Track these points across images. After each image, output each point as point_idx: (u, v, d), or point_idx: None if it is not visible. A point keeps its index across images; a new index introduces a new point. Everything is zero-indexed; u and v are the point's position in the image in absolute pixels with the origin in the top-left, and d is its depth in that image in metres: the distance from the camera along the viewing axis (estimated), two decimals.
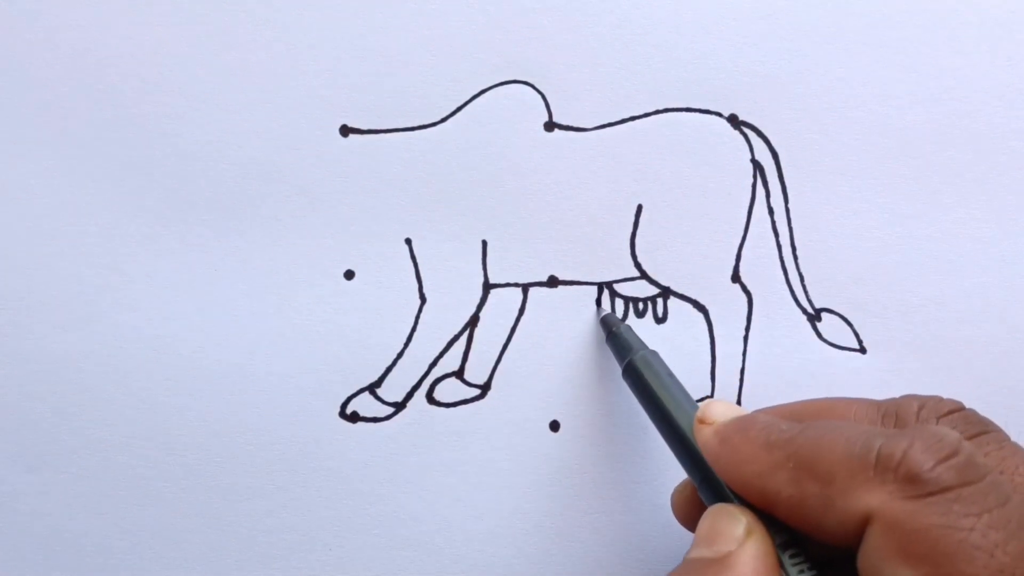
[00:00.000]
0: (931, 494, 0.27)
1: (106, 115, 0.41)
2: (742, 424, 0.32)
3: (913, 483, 0.27)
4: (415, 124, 0.41)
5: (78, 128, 0.41)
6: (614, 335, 0.40)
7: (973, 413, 0.33)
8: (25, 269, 0.41)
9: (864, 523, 0.28)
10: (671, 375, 0.38)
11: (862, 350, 0.42)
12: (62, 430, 0.41)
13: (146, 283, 0.41)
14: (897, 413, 0.33)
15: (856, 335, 0.42)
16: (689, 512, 0.37)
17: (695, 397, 0.42)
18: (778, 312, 0.42)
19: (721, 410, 0.33)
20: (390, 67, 0.41)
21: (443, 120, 0.41)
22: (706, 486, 0.33)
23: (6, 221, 0.41)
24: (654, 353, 0.39)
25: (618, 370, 0.39)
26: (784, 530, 0.30)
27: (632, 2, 0.41)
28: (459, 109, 0.41)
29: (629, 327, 0.40)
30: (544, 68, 0.41)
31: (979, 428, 0.32)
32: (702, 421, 0.33)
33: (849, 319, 0.42)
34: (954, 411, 0.32)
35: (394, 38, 0.41)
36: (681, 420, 0.35)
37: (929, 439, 0.28)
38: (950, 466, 0.27)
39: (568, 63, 0.41)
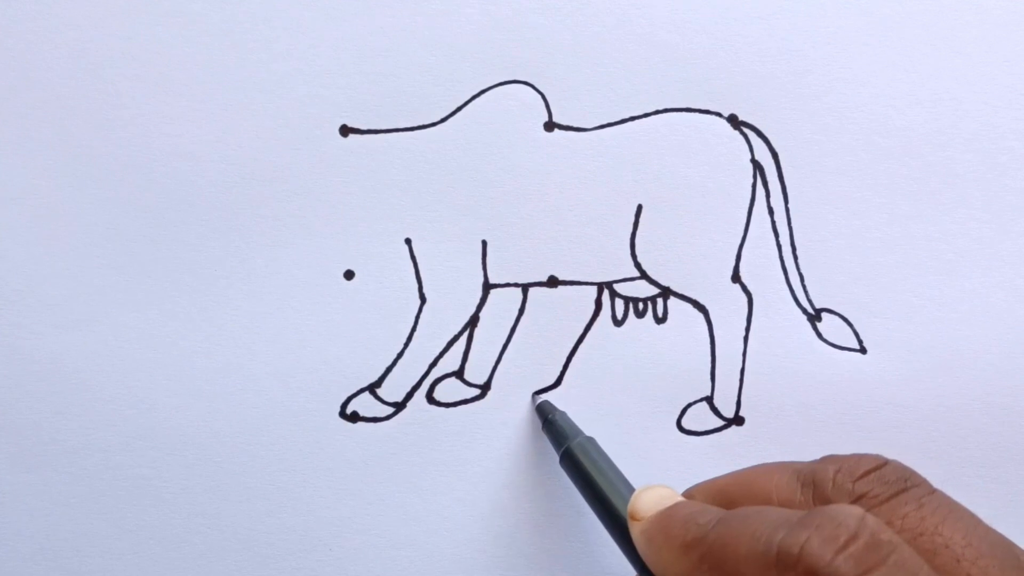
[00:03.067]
0: None
1: (106, 115, 0.41)
2: (663, 522, 0.32)
3: None
4: (415, 124, 0.41)
5: (78, 128, 0.41)
6: (549, 423, 0.40)
7: (894, 469, 0.32)
8: (25, 269, 0.41)
9: None
10: (608, 461, 0.37)
11: (862, 350, 0.42)
12: (62, 430, 0.41)
13: (146, 283, 0.41)
14: (815, 482, 0.32)
15: (856, 335, 0.42)
16: None
17: (694, 398, 0.42)
18: (778, 312, 0.42)
19: (649, 501, 0.33)
20: (390, 67, 0.41)
21: (443, 120, 0.41)
22: None
23: (6, 221, 0.41)
24: (591, 440, 0.38)
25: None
26: None
27: (632, 2, 0.41)
28: (459, 109, 0.41)
29: (564, 414, 0.40)
30: (544, 68, 0.41)
31: (896, 488, 0.31)
32: (632, 517, 0.33)
33: (849, 319, 0.42)
34: (871, 471, 0.31)
35: (394, 38, 0.41)
36: (620, 508, 0.35)
37: (827, 526, 0.27)
38: (849, 555, 0.27)
39: (568, 63, 0.41)
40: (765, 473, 0.33)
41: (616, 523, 0.35)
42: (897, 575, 0.26)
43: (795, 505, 0.31)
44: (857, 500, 0.30)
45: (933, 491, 0.31)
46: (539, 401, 0.41)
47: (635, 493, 0.34)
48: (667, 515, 0.32)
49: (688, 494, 0.35)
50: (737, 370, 0.42)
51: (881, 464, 0.32)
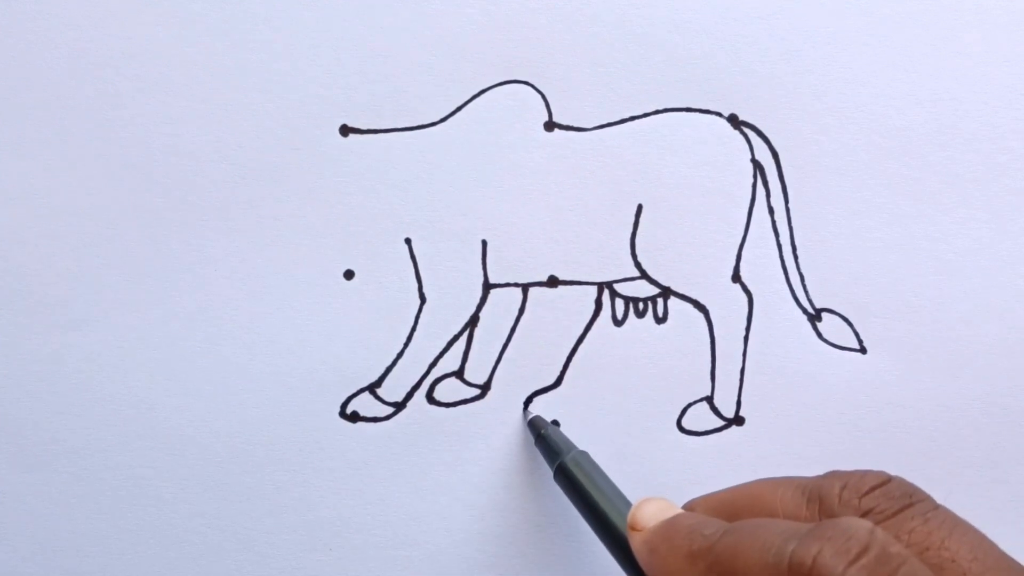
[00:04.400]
0: None
1: (106, 115, 0.40)
2: (667, 532, 0.32)
3: None
4: (415, 124, 0.41)
5: (78, 128, 0.41)
6: (542, 437, 0.40)
7: (898, 485, 0.32)
8: (25, 269, 0.41)
9: None
10: (602, 475, 0.37)
11: (862, 350, 0.42)
12: (62, 430, 0.41)
13: (146, 283, 0.41)
14: (820, 497, 0.32)
15: (856, 335, 0.42)
16: None
17: (694, 398, 0.42)
18: (778, 312, 0.42)
19: (650, 513, 0.33)
20: (390, 67, 0.41)
21: (443, 120, 0.41)
22: None
23: (6, 221, 0.41)
24: (584, 453, 0.38)
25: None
26: None
27: (632, 2, 0.41)
28: (459, 109, 0.41)
29: (557, 428, 0.40)
30: (544, 68, 0.41)
31: (902, 503, 0.31)
32: (632, 528, 0.33)
33: (849, 319, 0.42)
34: (876, 487, 0.31)
35: (394, 38, 0.41)
36: (617, 522, 0.35)
37: (839, 538, 0.27)
38: (861, 567, 0.27)
39: (568, 63, 0.41)
40: (768, 487, 0.34)
41: (613, 537, 0.35)
42: None
43: (801, 519, 0.31)
44: (864, 515, 0.30)
45: (937, 506, 0.31)
46: (531, 416, 0.41)
47: (635, 505, 0.33)
48: (670, 525, 0.32)
49: (688, 507, 0.35)
50: (737, 370, 0.42)
51: (886, 480, 0.32)
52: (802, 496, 0.32)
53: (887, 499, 0.31)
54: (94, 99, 0.40)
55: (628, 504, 0.35)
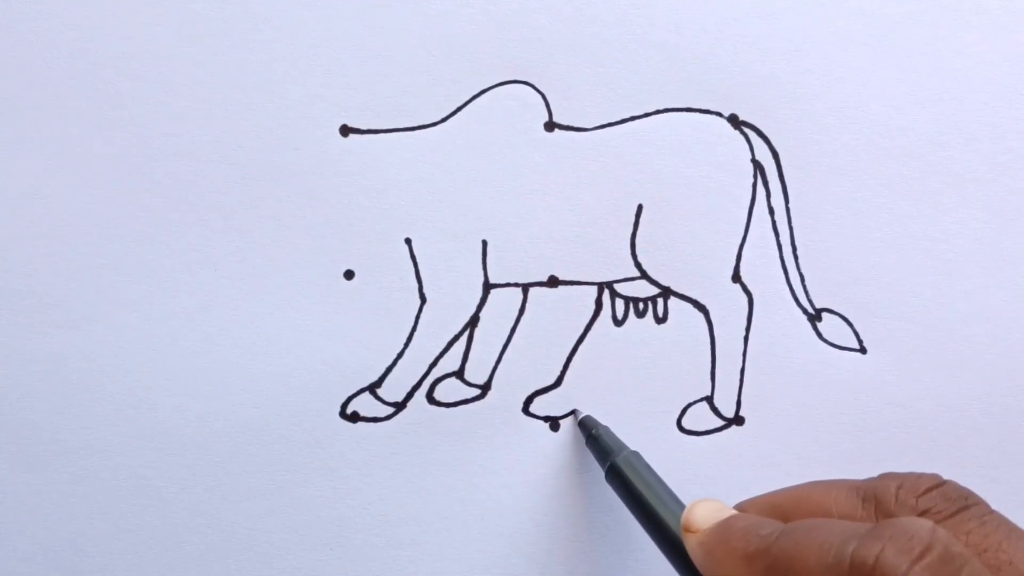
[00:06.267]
0: None
1: (106, 115, 0.40)
2: (723, 534, 0.31)
3: None
4: (415, 124, 0.41)
5: (78, 128, 0.41)
6: (593, 438, 0.40)
7: (953, 487, 0.32)
8: (25, 269, 0.41)
9: None
10: (655, 475, 0.37)
11: (862, 350, 0.42)
12: (62, 430, 0.41)
13: (146, 283, 0.41)
14: (876, 497, 0.32)
15: (856, 335, 0.42)
16: None
17: (694, 398, 0.42)
18: (778, 312, 0.42)
19: (704, 514, 0.33)
20: (390, 67, 0.41)
21: (443, 120, 0.41)
22: None
23: (6, 221, 0.41)
24: (636, 454, 0.38)
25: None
26: None
27: (632, 2, 0.41)
28: (459, 109, 0.41)
29: (608, 429, 0.40)
30: (544, 68, 0.41)
31: (958, 504, 0.31)
32: (687, 529, 0.33)
33: (849, 319, 0.42)
34: (932, 488, 0.32)
35: (394, 38, 0.41)
36: (671, 523, 0.35)
37: (901, 537, 0.27)
38: (925, 566, 0.27)
39: (568, 63, 0.41)
40: (820, 489, 0.33)
41: (666, 537, 0.35)
42: None
43: (857, 520, 0.31)
44: (921, 516, 0.30)
45: (992, 510, 0.31)
46: (581, 416, 0.41)
47: (689, 506, 0.33)
48: (726, 526, 0.32)
49: (740, 508, 0.34)
50: (737, 370, 0.42)
51: (941, 482, 0.32)
52: (856, 496, 0.32)
53: (944, 500, 0.31)
54: (94, 99, 0.40)
55: (681, 505, 0.35)
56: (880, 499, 0.32)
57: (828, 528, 0.29)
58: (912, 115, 0.42)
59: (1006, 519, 0.31)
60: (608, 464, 0.38)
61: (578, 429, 0.42)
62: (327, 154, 0.41)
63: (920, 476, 0.32)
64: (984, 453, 0.43)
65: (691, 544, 0.33)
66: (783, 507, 0.34)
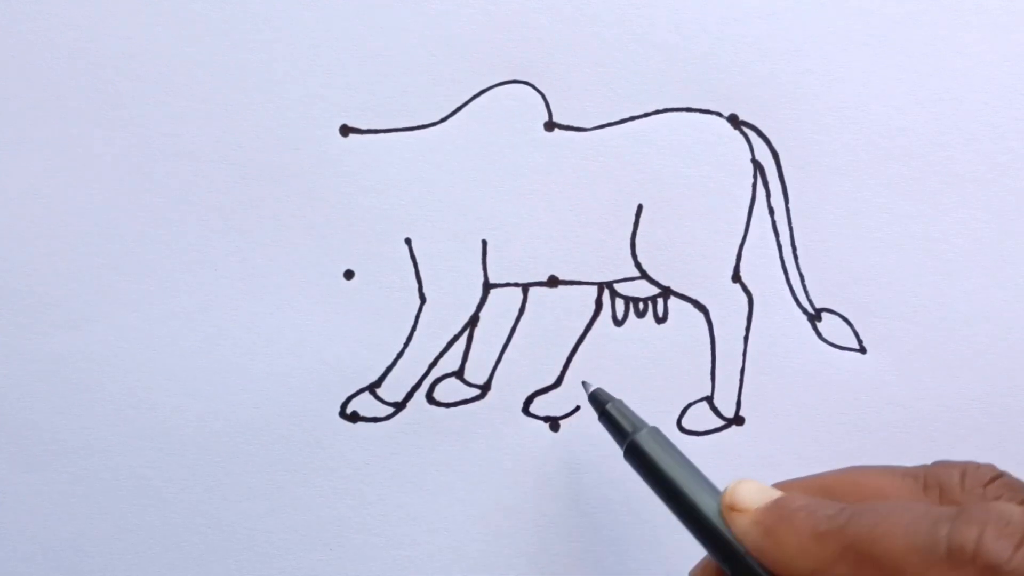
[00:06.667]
0: None
1: (106, 115, 0.41)
2: (782, 512, 0.30)
3: (994, 575, 0.26)
4: (415, 124, 0.41)
5: (78, 128, 0.41)
6: (607, 414, 0.38)
7: (1012, 478, 0.31)
8: (25, 269, 0.41)
9: None
10: (680, 453, 0.35)
11: (862, 350, 0.42)
12: (62, 430, 0.41)
13: (146, 283, 0.41)
14: (940, 484, 0.31)
15: (856, 335, 0.42)
16: None
17: (694, 398, 0.42)
18: (778, 312, 0.42)
19: (752, 493, 0.31)
20: (390, 67, 0.41)
21: (443, 120, 0.41)
22: None
23: (6, 221, 0.41)
24: (656, 430, 0.36)
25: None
26: None
27: (632, 2, 0.41)
28: (459, 109, 0.41)
29: (622, 402, 0.38)
30: (544, 68, 0.41)
31: (1022, 495, 0.30)
32: (733, 508, 0.31)
33: (849, 319, 0.42)
34: (995, 478, 0.31)
35: (394, 38, 0.41)
36: (704, 504, 0.33)
37: (999, 522, 0.27)
38: None
39: (568, 63, 0.41)
40: (870, 474, 0.32)
41: (696, 518, 0.33)
42: None
43: None
44: None
45: None
46: (591, 389, 0.39)
47: (731, 485, 0.32)
48: (783, 505, 0.30)
49: (782, 488, 0.33)
50: (737, 370, 0.42)
51: (1000, 473, 0.31)
52: (916, 483, 0.31)
53: (1010, 490, 0.30)
54: (94, 99, 0.40)
55: (711, 485, 0.34)
56: (945, 487, 0.31)
57: (911, 510, 0.28)
58: (912, 115, 0.42)
59: None
60: (627, 442, 0.36)
61: (578, 429, 0.42)
62: (327, 154, 0.41)
63: (979, 466, 0.31)
64: (984, 453, 0.43)
65: (742, 525, 0.31)
66: (834, 490, 0.32)
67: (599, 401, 0.38)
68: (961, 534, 0.27)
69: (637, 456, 0.36)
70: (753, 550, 0.31)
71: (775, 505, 0.31)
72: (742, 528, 0.31)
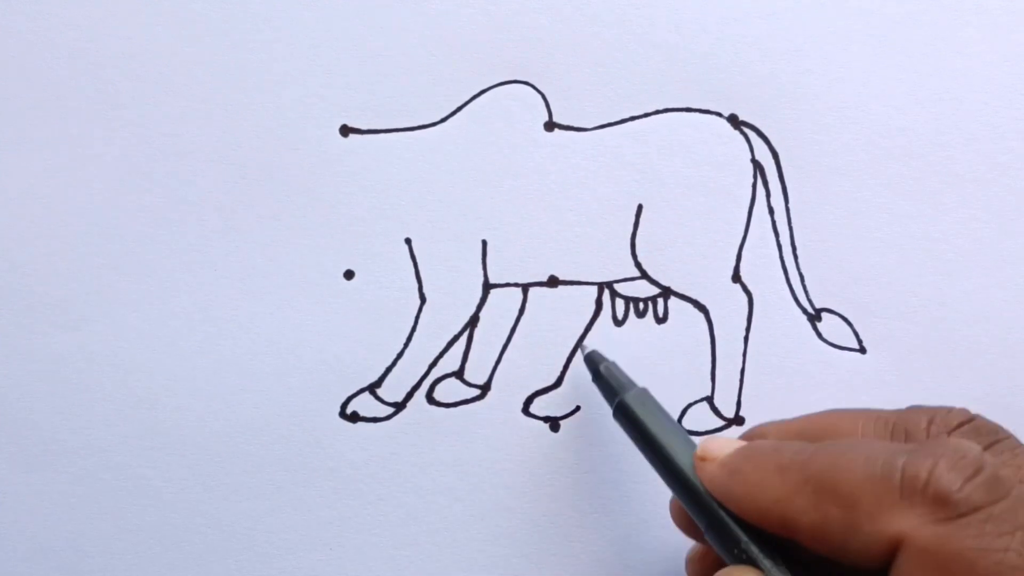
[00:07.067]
0: (962, 515, 0.26)
1: (106, 115, 0.41)
2: (748, 452, 0.31)
3: (943, 505, 0.27)
4: (415, 124, 0.41)
5: (78, 128, 0.41)
6: (600, 375, 0.39)
7: (983, 422, 0.32)
8: (25, 269, 0.41)
9: (893, 548, 0.27)
10: (666, 414, 0.37)
11: (862, 350, 0.42)
12: (62, 430, 0.41)
13: (146, 283, 0.41)
14: (907, 428, 0.32)
15: (856, 335, 0.42)
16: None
17: (694, 398, 0.42)
18: (778, 312, 0.42)
19: (722, 444, 0.32)
20: (390, 67, 0.41)
21: (443, 120, 0.41)
22: (714, 531, 0.32)
23: (6, 221, 0.41)
24: (645, 391, 0.37)
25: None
26: None
27: (632, 2, 0.41)
28: (459, 109, 0.41)
29: (615, 364, 0.39)
30: (544, 68, 0.41)
31: (991, 437, 0.31)
32: (703, 458, 0.32)
33: (849, 319, 0.42)
34: (964, 422, 0.31)
35: (394, 38, 0.41)
36: (683, 461, 0.34)
37: (952, 456, 0.27)
38: (978, 484, 0.27)
39: (568, 63, 0.41)
40: (844, 417, 0.33)
41: (677, 475, 0.34)
42: (1021, 508, 0.27)
43: None
44: None
45: (1021, 442, 0.31)
46: (587, 351, 0.40)
47: (704, 439, 0.33)
48: (751, 446, 0.31)
49: (758, 431, 0.34)
50: (737, 370, 0.42)
51: (971, 417, 0.31)
52: (885, 428, 0.32)
53: (976, 434, 0.31)
54: (94, 99, 0.40)
55: (690, 442, 0.35)
56: (911, 431, 0.31)
57: (871, 444, 0.29)
58: (912, 115, 0.42)
59: None
60: (616, 401, 0.37)
61: (578, 429, 0.42)
62: (327, 154, 0.41)
63: (950, 410, 0.32)
64: None
65: (710, 471, 0.32)
66: (807, 433, 0.33)
67: (593, 362, 0.39)
68: (915, 465, 0.27)
69: (625, 414, 0.37)
70: (719, 493, 0.31)
71: (742, 449, 0.32)
72: (709, 474, 0.32)
